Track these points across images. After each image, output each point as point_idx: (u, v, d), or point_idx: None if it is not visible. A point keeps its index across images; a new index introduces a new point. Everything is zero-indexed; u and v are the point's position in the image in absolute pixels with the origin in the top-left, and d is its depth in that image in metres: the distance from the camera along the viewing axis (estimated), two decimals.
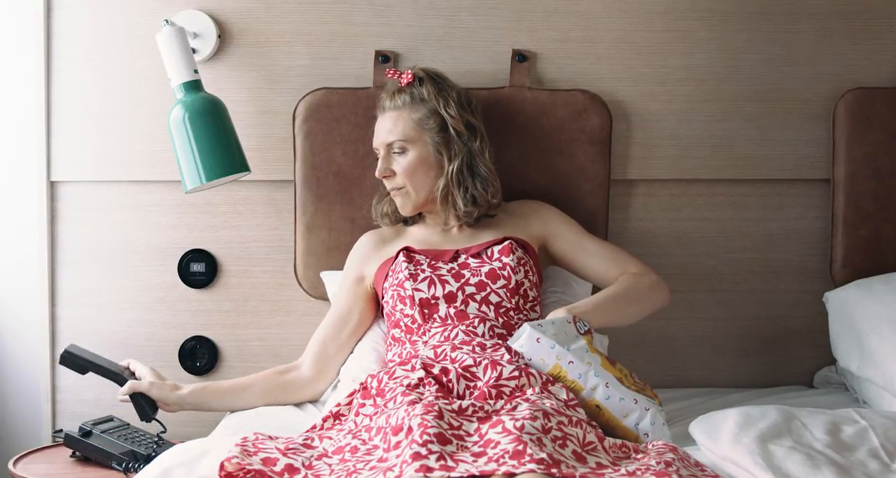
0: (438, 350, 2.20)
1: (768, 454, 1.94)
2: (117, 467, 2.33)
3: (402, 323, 2.36)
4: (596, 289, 2.52)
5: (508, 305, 2.34)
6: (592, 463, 1.85)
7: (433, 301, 2.34)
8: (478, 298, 2.34)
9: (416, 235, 2.52)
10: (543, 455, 1.75)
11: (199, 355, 2.75)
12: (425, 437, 1.79)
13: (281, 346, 2.74)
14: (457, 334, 2.26)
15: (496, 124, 2.60)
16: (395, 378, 2.11)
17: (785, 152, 2.73)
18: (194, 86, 2.53)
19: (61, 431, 2.46)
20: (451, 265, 2.39)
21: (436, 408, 1.89)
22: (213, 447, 2.06)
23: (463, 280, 2.36)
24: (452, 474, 1.71)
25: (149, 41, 2.63)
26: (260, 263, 2.74)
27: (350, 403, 2.15)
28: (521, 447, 1.77)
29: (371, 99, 2.60)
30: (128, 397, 2.37)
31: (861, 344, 2.52)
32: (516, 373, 2.09)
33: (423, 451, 1.76)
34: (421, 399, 1.99)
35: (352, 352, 2.49)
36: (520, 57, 2.68)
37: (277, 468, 1.88)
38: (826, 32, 2.71)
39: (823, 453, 1.95)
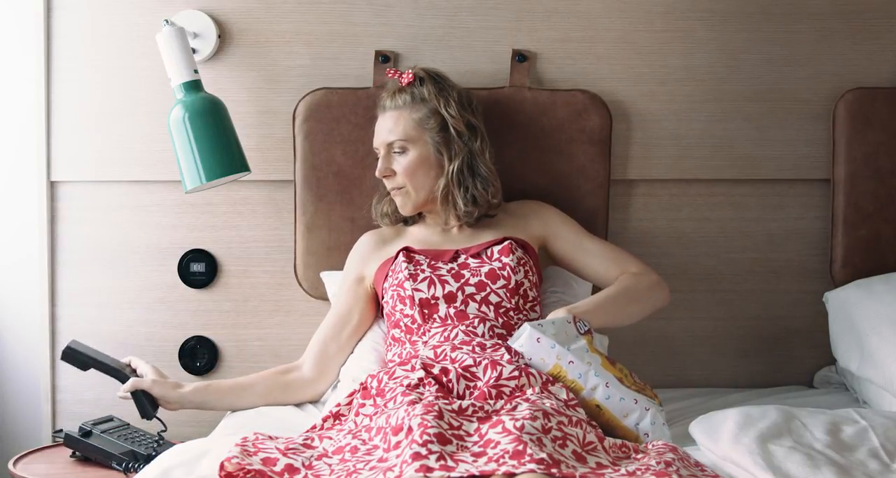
0: (438, 350, 2.20)
1: (768, 454, 1.93)
2: (117, 467, 2.33)
3: (401, 323, 2.36)
4: (596, 289, 2.52)
5: (508, 306, 2.34)
6: (592, 463, 1.85)
7: (433, 301, 2.34)
8: (477, 298, 2.34)
9: (415, 235, 2.52)
10: (543, 455, 1.75)
11: (199, 355, 2.75)
12: (425, 437, 1.79)
13: (281, 346, 2.74)
14: (457, 335, 2.26)
15: (496, 124, 2.60)
16: (395, 378, 2.11)
17: (785, 152, 2.73)
18: (194, 86, 2.53)
19: (61, 431, 2.46)
20: (450, 265, 2.39)
21: (436, 408, 1.89)
22: (213, 447, 2.06)
23: (463, 280, 2.36)
24: (452, 474, 1.71)
25: (149, 41, 2.63)
26: (260, 263, 2.75)
27: (350, 403, 2.15)
28: (521, 447, 1.77)
29: (371, 99, 2.60)
30: (129, 394, 2.37)
31: (861, 344, 2.52)
32: (516, 373, 2.09)
33: (423, 451, 1.76)
34: (421, 399, 1.99)
35: (352, 352, 2.49)
36: (520, 57, 2.68)
37: (277, 468, 1.88)
38: (826, 32, 2.71)
39: (823, 453, 1.95)
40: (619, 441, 1.97)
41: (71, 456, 2.43)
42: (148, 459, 2.29)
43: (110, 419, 2.48)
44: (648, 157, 2.72)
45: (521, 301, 2.36)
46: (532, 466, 1.72)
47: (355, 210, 2.65)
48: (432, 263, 2.39)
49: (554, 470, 1.73)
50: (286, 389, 2.45)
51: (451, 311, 2.32)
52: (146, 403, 2.36)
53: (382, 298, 2.44)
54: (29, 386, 2.80)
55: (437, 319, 2.32)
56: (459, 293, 2.34)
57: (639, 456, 1.92)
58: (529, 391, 2.04)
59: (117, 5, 2.69)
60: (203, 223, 2.74)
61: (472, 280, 2.36)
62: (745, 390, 2.70)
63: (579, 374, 2.13)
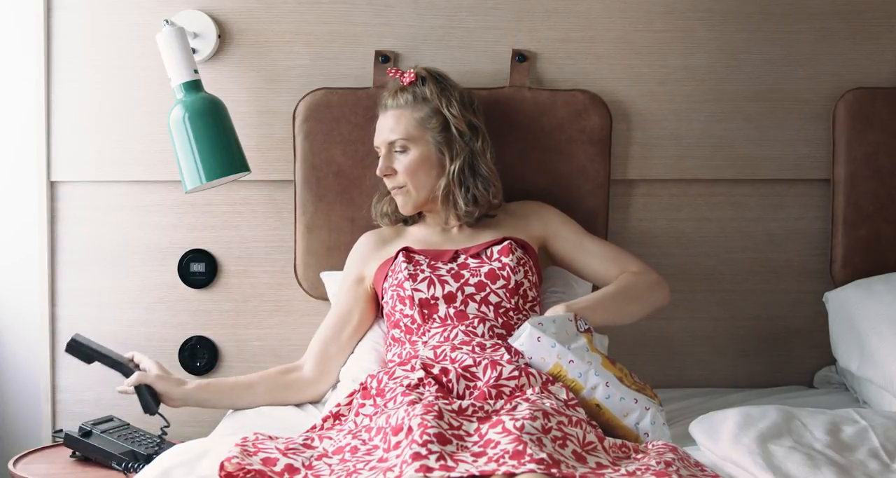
0: (438, 350, 2.20)
1: (768, 454, 1.93)
2: (117, 467, 2.33)
3: (401, 323, 2.36)
4: (596, 289, 2.52)
5: (508, 306, 2.34)
6: (592, 463, 1.85)
7: (433, 301, 2.34)
8: (477, 298, 2.34)
9: (415, 235, 2.52)
10: (543, 455, 1.75)
11: (199, 355, 2.75)
12: (425, 437, 1.79)
13: (281, 346, 2.74)
14: (456, 335, 2.26)
15: (496, 124, 2.60)
16: (394, 378, 2.11)
17: (785, 152, 2.73)
18: (194, 86, 2.53)
19: (61, 431, 2.45)
20: (450, 265, 2.39)
21: (436, 408, 1.89)
22: (213, 447, 2.06)
23: (462, 280, 2.36)
24: (452, 474, 1.71)
25: (149, 41, 2.63)
26: (260, 263, 2.75)
27: (350, 403, 2.15)
28: (521, 447, 1.77)
29: (371, 99, 2.60)
30: (133, 388, 2.36)
31: (861, 344, 2.52)
32: (516, 373, 2.09)
33: (423, 451, 1.76)
34: (421, 399, 1.99)
35: (353, 352, 2.49)
36: (520, 57, 2.68)
37: (277, 468, 1.88)
38: (826, 32, 2.71)
39: (823, 453, 1.95)
40: (619, 441, 1.97)
41: (71, 456, 2.43)
42: (148, 459, 2.29)
43: (110, 419, 2.48)
44: (648, 157, 2.72)
45: (521, 301, 2.36)
46: (532, 466, 1.72)
47: (355, 210, 2.65)
48: (432, 263, 2.39)
49: (554, 470, 1.73)
50: (288, 389, 2.45)
51: (451, 311, 2.32)
52: (149, 398, 2.36)
53: (382, 298, 2.44)
54: (29, 386, 2.80)
55: (437, 320, 2.32)
56: (459, 293, 2.34)
57: (639, 456, 1.92)
58: (529, 391, 2.04)
59: (117, 5, 2.69)
60: (203, 223, 2.74)
61: (472, 280, 2.36)
62: (744, 390, 2.70)
63: (579, 373, 2.13)
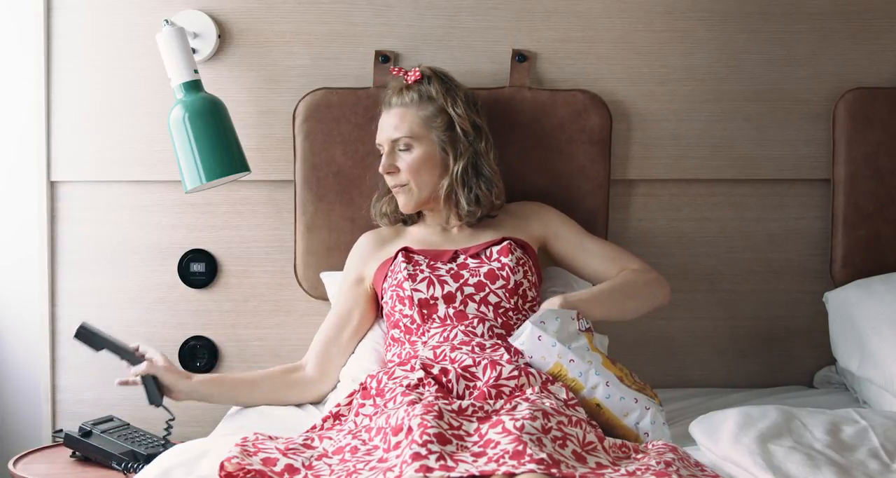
0: (438, 350, 2.20)
1: (768, 454, 1.93)
2: (117, 467, 2.33)
3: (401, 323, 2.36)
4: None
5: (507, 306, 2.34)
6: (592, 463, 1.85)
7: (432, 301, 2.34)
8: (477, 298, 2.34)
9: (415, 235, 2.52)
10: (543, 455, 1.75)
11: (199, 355, 2.75)
12: (425, 437, 1.79)
13: (281, 346, 2.74)
14: (456, 335, 2.26)
15: (496, 124, 2.60)
16: (394, 378, 2.11)
17: (785, 152, 2.73)
18: (194, 86, 2.53)
19: (61, 431, 2.46)
20: (449, 266, 2.39)
21: (435, 408, 1.89)
22: (213, 447, 2.06)
23: (462, 280, 2.36)
24: (452, 475, 1.72)
25: (149, 41, 2.63)
26: (260, 263, 2.75)
27: (350, 403, 2.15)
28: (520, 447, 1.77)
29: (371, 99, 2.60)
30: (139, 379, 2.34)
31: (861, 344, 2.52)
32: (516, 373, 2.09)
33: (423, 451, 1.76)
34: (420, 399, 1.99)
35: (353, 352, 2.49)
36: (520, 57, 2.68)
37: (277, 468, 1.88)
38: (826, 32, 2.71)
39: (823, 453, 1.95)
40: (618, 441, 1.97)
41: (71, 456, 2.43)
42: (148, 459, 2.29)
43: (110, 419, 2.48)
44: (648, 157, 2.72)
45: (521, 301, 2.36)
46: (532, 466, 1.72)
47: (355, 210, 2.65)
48: (431, 263, 2.39)
49: (554, 470, 1.73)
50: (291, 388, 2.45)
51: (451, 311, 2.32)
52: (156, 389, 2.35)
53: (382, 298, 2.44)
54: (29, 386, 2.80)
55: (437, 320, 2.32)
56: (458, 293, 2.34)
57: (639, 456, 1.92)
58: (529, 391, 2.04)
59: (117, 5, 2.69)
60: (203, 223, 2.74)
61: (471, 280, 2.36)
62: (744, 389, 2.70)
63: (580, 372, 2.13)
